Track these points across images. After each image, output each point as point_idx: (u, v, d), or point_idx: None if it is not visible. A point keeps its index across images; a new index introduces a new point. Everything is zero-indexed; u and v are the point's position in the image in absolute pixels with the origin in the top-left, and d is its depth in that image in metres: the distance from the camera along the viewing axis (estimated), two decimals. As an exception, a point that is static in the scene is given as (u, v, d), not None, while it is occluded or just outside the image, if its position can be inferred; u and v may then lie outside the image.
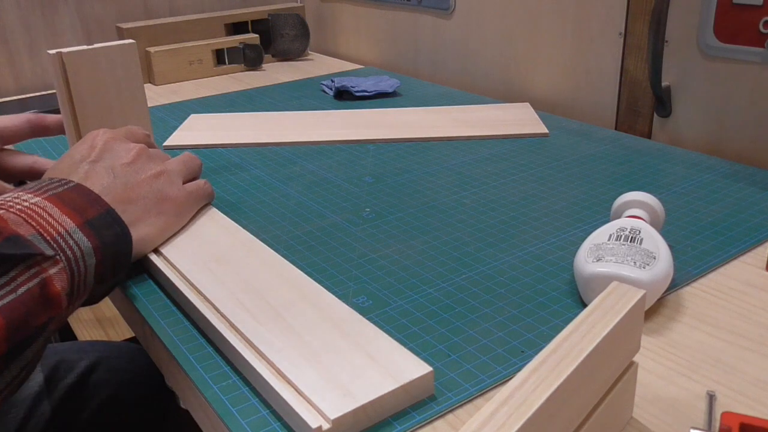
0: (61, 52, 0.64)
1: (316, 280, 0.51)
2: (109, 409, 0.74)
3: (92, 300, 0.47)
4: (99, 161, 0.54)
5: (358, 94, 1.00)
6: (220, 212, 0.61)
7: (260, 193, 0.69)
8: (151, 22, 1.20)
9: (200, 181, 0.61)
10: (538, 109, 0.93)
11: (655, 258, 0.46)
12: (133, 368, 0.79)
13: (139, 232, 0.52)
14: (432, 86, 1.08)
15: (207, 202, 0.62)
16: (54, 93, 0.80)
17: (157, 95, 1.10)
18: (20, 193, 0.44)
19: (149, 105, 1.04)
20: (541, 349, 0.43)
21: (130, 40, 0.68)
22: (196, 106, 1.02)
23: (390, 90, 1.01)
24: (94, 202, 0.47)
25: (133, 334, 0.65)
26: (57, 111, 0.69)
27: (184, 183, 0.59)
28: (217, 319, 0.45)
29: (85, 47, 0.65)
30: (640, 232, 0.49)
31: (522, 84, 1.01)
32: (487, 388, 0.40)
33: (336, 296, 0.47)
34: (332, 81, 1.05)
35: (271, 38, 1.28)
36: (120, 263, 0.48)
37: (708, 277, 0.51)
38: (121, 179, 0.53)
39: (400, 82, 1.04)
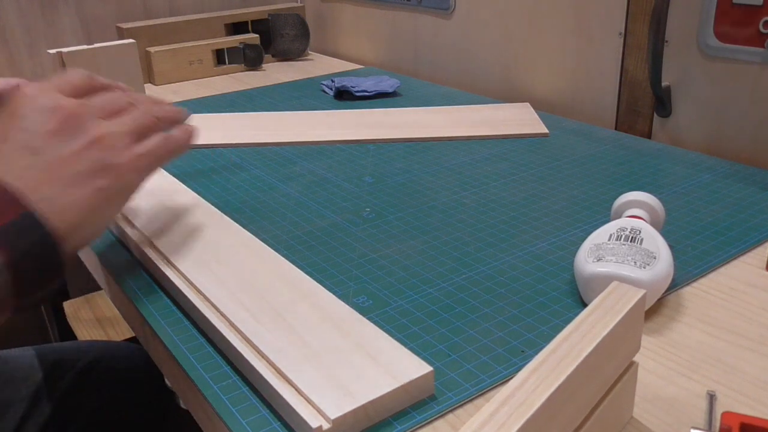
0: (61, 52, 0.65)
1: (316, 280, 0.51)
2: (109, 409, 0.74)
3: (26, 307, 0.40)
4: (12, 138, 0.42)
5: (358, 94, 1.00)
6: (219, 212, 0.61)
7: (260, 193, 0.69)
8: (151, 22, 1.20)
9: (158, 136, 0.49)
10: (538, 109, 0.93)
11: (655, 258, 0.46)
12: (133, 368, 0.79)
13: (74, 219, 0.42)
14: (432, 86, 1.08)
15: (173, 156, 0.51)
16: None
17: (157, 95, 1.10)
18: None
19: (149, 105, 1.04)
20: (541, 349, 0.43)
21: (130, 40, 0.68)
22: (196, 106, 1.02)
23: (390, 90, 1.01)
24: (3, 206, 0.38)
25: (133, 334, 0.65)
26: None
27: (139, 140, 0.47)
28: (218, 319, 0.45)
29: (85, 47, 0.66)
30: (640, 232, 0.49)
31: (522, 84, 1.01)
32: (488, 388, 0.40)
33: (336, 296, 0.47)
34: (332, 81, 1.05)
35: (271, 38, 1.28)
36: (49, 270, 0.40)
37: (708, 277, 0.51)
38: (43, 156, 0.42)
39: (400, 82, 1.04)
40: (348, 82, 1.02)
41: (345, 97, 1.02)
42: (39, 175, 0.41)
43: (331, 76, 1.16)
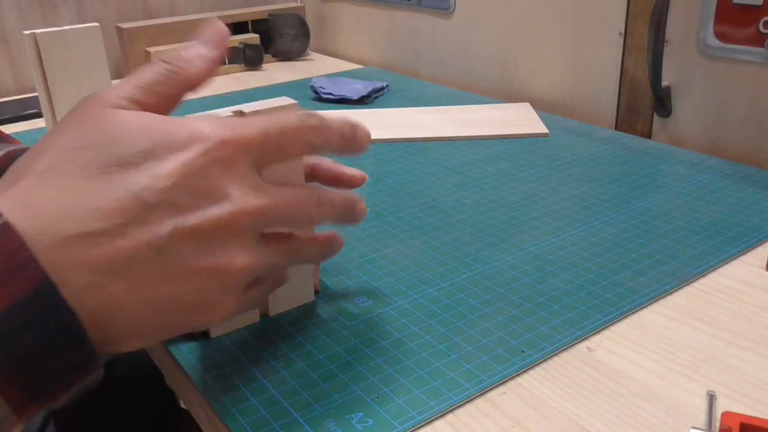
0: (35, 33, 0.75)
1: (316, 280, 0.51)
2: (119, 412, 0.74)
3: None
4: (158, 213, 0.30)
5: (324, 96, 1.00)
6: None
7: (260, 193, 0.69)
8: (151, 22, 1.20)
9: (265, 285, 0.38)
10: (538, 109, 0.93)
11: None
12: (138, 368, 0.79)
13: (127, 344, 0.31)
14: (432, 86, 1.07)
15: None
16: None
17: (157, 95, 1.10)
18: None
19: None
20: (541, 349, 0.43)
21: (95, 24, 0.82)
22: (197, 106, 1.02)
23: (354, 97, 0.99)
24: (15, 270, 0.26)
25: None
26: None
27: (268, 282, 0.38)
28: None
29: (55, 29, 0.77)
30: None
31: (522, 84, 1.01)
32: (487, 388, 0.40)
33: (336, 296, 0.48)
34: (316, 84, 1.04)
35: (271, 38, 1.28)
36: (65, 380, 0.28)
37: (708, 277, 0.51)
38: (171, 256, 0.30)
39: (386, 84, 1.04)
40: (318, 83, 1.02)
41: (324, 98, 1.02)
42: (148, 276, 0.30)
43: (328, 76, 1.16)
